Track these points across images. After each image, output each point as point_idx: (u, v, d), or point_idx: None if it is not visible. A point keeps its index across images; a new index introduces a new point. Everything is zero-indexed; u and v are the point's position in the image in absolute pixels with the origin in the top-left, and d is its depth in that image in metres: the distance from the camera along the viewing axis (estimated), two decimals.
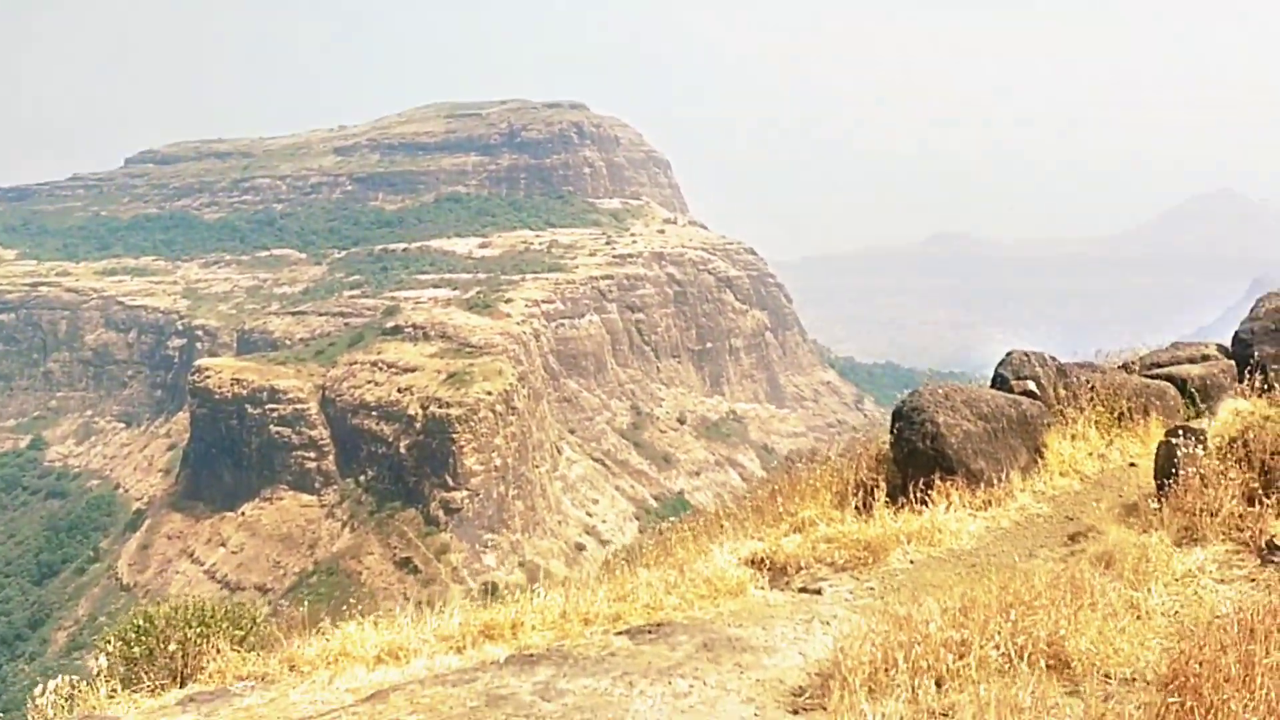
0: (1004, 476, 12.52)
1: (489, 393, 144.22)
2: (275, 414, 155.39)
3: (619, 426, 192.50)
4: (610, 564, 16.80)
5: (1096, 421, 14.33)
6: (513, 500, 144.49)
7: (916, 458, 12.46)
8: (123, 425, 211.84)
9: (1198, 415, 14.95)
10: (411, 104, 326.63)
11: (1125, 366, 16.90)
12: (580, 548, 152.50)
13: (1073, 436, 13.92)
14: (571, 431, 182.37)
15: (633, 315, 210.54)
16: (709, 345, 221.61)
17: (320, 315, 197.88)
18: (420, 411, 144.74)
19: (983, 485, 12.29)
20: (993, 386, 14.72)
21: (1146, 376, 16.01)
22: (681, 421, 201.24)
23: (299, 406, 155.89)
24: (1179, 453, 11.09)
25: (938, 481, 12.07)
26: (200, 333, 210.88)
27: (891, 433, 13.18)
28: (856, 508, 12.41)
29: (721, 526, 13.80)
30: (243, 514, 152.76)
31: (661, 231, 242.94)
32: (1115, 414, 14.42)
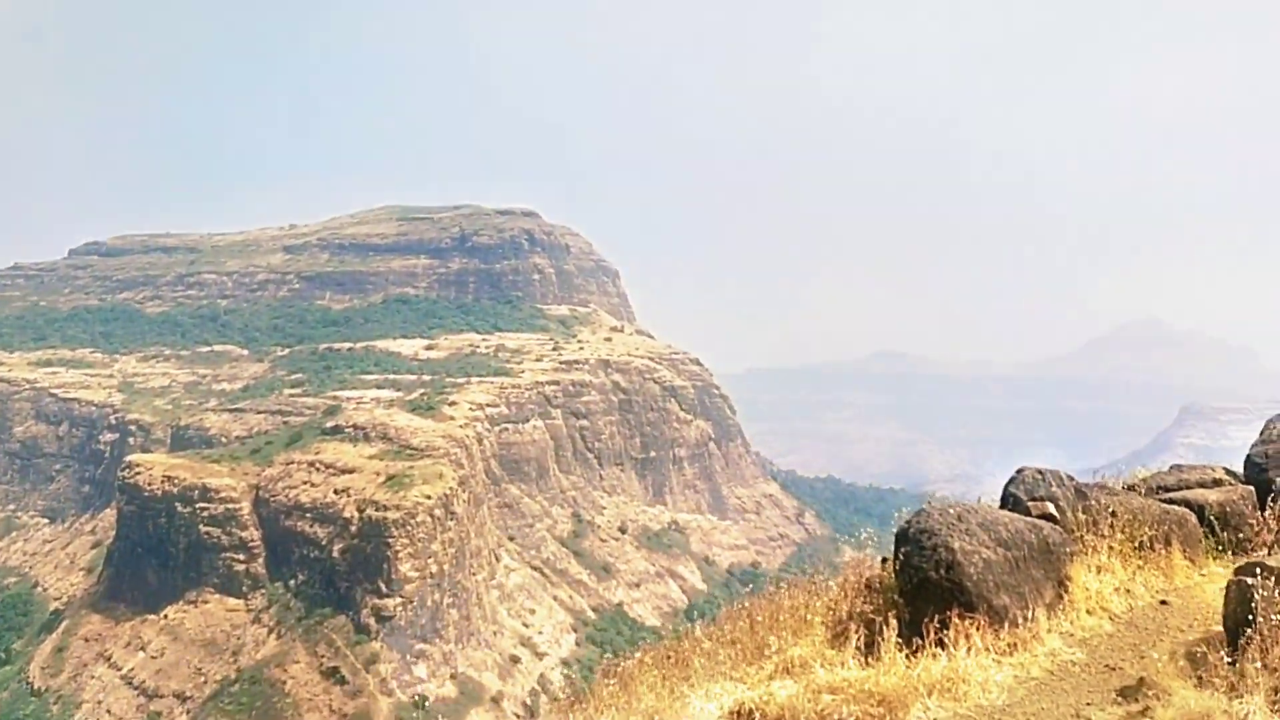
0: (1029, 615, 10.98)
1: (428, 496, 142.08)
2: (206, 513, 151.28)
3: (559, 534, 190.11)
4: (561, 707, 14.42)
5: (1119, 551, 12.98)
6: (447, 609, 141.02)
7: (928, 589, 10.80)
8: (46, 521, 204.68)
9: (1219, 546, 14.03)
10: (364, 205, 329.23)
11: (1131, 488, 15.77)
12: (515, 660, 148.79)
13: (1097, 568, 12.54)
14: (511, 538, 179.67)
15: (577, 422, 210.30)
16: (653, 454, 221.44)
17: (259, 413, 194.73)
18: (356, 514, 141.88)
19: (1006, 625, 10.70)
20: (1003, 507, 13.34)
21: (1161, 501, 14.77)
22: (623, 531, 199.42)
23: (231, 506, 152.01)
24: (1257, 595, 9.45)
25: (955, 619, 10.39)
26: (134, 428, 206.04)
27: (896, 558, 11.49)
28: (858, 647, 10.83)
29: (689, 664, 12.16)
30: (165, 617, 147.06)
31: (608, 339, 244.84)
32: (1136, 543, 13.14)
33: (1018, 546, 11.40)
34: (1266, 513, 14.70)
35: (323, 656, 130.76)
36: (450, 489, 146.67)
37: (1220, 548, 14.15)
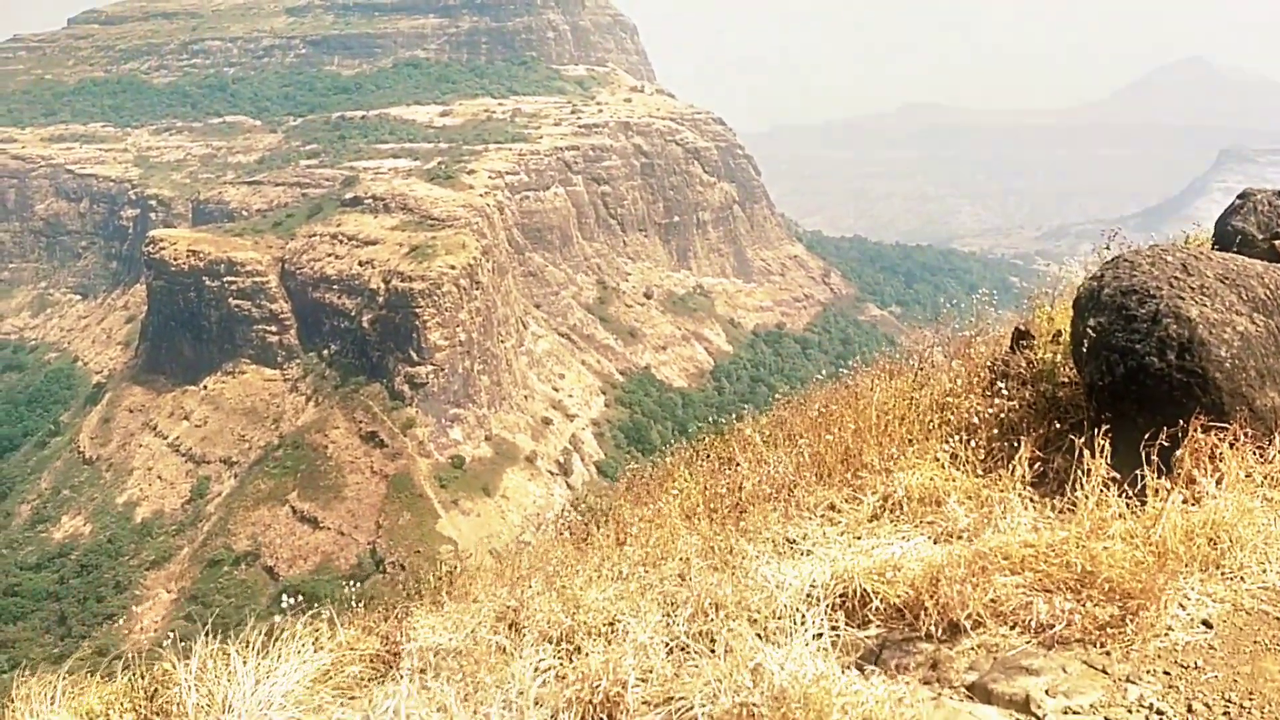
0: None
1: (452, 266, 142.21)
2: (234, 287, 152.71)
3: (585, 301, 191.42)
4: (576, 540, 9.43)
5: None
6: (478, 375, 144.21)
7: (1150, 386, 6.96)
8: (79, 297, 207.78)
9: None
10: None
11: None
12: (547, 421, 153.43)
13: None
14: (537, 306, 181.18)
15: (599, 188, 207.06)
16: (676, 219, 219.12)
17: (277, 185, 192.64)
18: (382, 285, 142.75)
19: (1276, 435, 6.92)
20: (1220, 248, 9.53)
21: None
22: (648, 296, 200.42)
23: (258, 279, 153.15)
24: None
25: (1196, 432, 6.57)
26: (154, 203, 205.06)
27: (1078, 336, 7.58)
28: (1022, 476, 7.02)
29: (746, 499, 8.05)
30: (205, 388, 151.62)
31: (628, 100, 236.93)
32: None
33: (1278, 310, 7.43)
34: None
35: (361, 422, 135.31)
36: (474, 258, 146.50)
37: None
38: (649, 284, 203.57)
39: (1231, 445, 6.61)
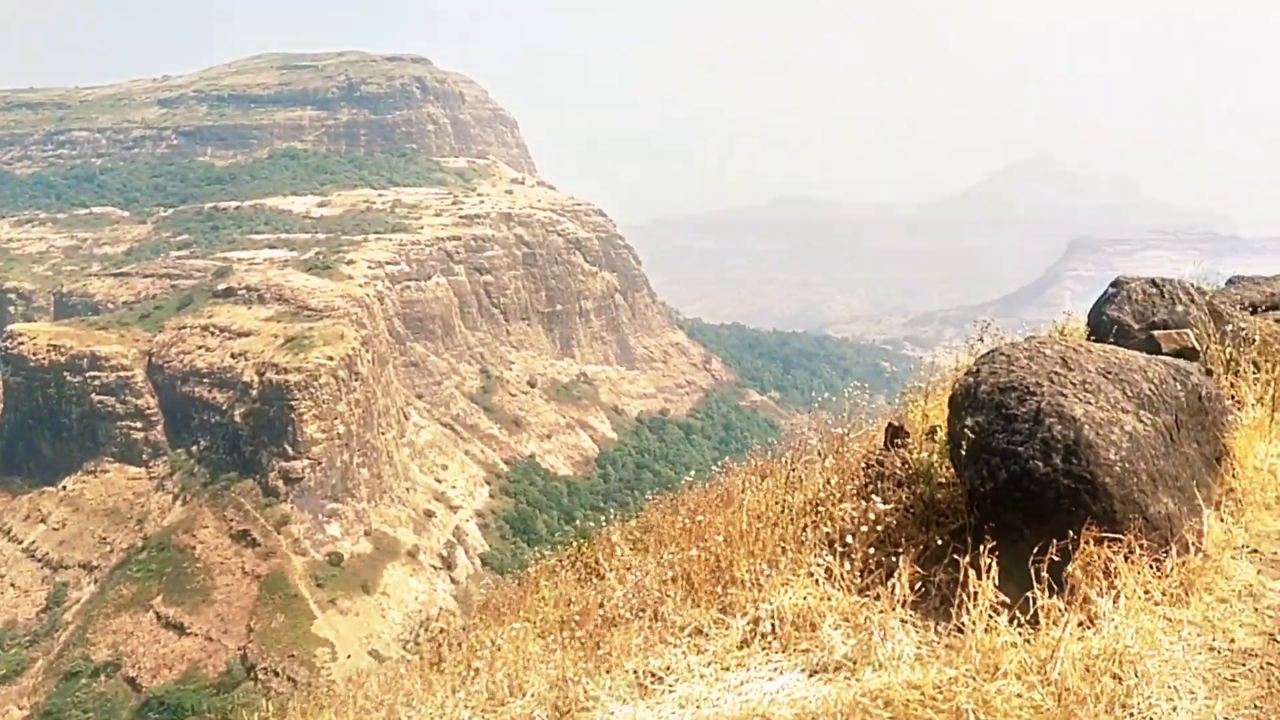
0: (1200, 524, 6.80)
1: (330, 358, 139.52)
2: (98, 382, 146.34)
3: (468, 390, 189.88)
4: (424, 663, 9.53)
5: (1272, 401, 8.76)
6: (358, 468, 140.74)
7: (1035, 493, 6.46)
8: None
9: None
10: (242, 55, 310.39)
11: (1237, 305, 11.36)
12: (430, 514, 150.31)
13: (1256, 430, 8.25)
14: (419, 396, 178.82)
15: (481, 277, 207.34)
16: (559, 307, 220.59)
17: (145, 277, 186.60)
18: (256, 378, 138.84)
19: (1171, 546, 6.49)
20: (1095, 338, 9.24)
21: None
22: (532, 385, 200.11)
23: (123, 374, 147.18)
24: None
25: (1088, 544, 6.17)
26: (14, 296, 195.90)
27: (955, 437, 7.17)
28: (916, 596, 6.62)
29: (608, 618, 7.59)
30: (64, 488, 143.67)
31: (509, 192, 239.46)
32: None
33: (1166, 408, 7.05)
34: None
35: (232, 520, 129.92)
36: (353, 349, 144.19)
37: None
38: (533, 372, 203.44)
39: (1126, 558, 6.09)
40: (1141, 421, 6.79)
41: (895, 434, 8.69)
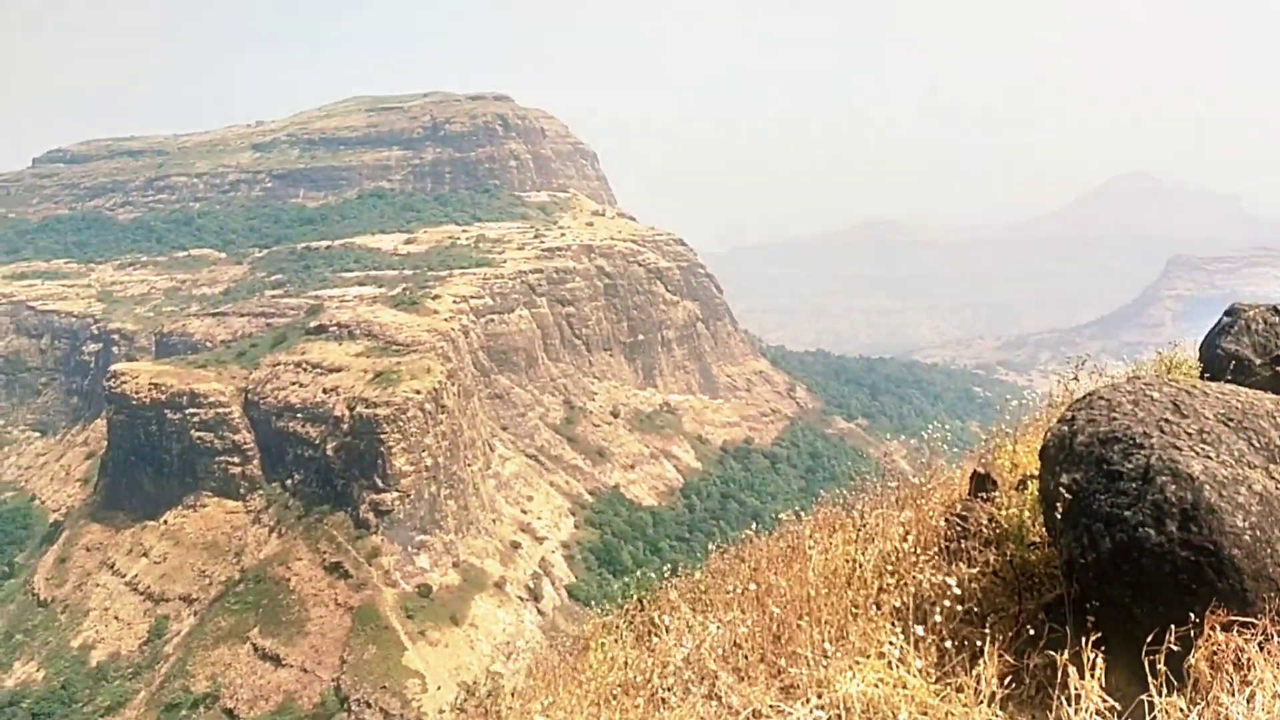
0: None
1: (417, 391, 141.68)
2: (196, 419, 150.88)
3: (552, 422, 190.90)
4: None
5: None
6: (445, 500, 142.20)
7: (1146, 567, 5.43)
8: (38, 434, 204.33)
9: None
10: (331, 98, 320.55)
11: None
12: (515, 545, 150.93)
13: None
14: (504, 428, 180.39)
15: (563, 309, 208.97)
16: (641, 337, 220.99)
17: (241, 316, 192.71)
18: (347, 412, 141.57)
19: None
20: (1208, 375, 8.29)
21: None
22: (615, 415, 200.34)
23: (221, 410, 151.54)
24: None
25: (1213, 631, 5.14)
26: (116, 337, 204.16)
27: (1049, 496, 6.11)
28: (1006, 682, 5.67)
29: (661, 689, 7.10)
30: (165, 523, 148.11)
31: (590, 224, 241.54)
32: None
33: None
34: None
35: (325, 552, 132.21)
36: (439, 383, 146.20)
37: None
38: (616, 403, 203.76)
39: (1262, 646, 5.03)
40: (1274, 478, 5.55)
41: (981, 483, 7.78)
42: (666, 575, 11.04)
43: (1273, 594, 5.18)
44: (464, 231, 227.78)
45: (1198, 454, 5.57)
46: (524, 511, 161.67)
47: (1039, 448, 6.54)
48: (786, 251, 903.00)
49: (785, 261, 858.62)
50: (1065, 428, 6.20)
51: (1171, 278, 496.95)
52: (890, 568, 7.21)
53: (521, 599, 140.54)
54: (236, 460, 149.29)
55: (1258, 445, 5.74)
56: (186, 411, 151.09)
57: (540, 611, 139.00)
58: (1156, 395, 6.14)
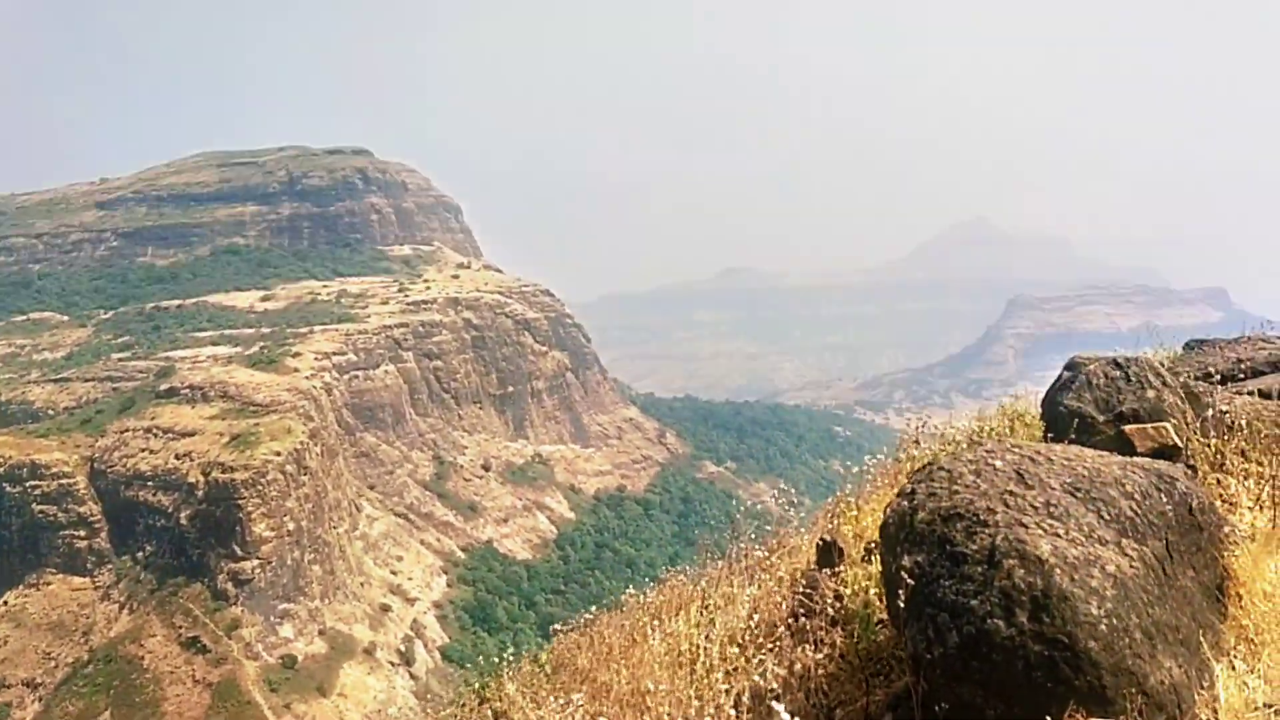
0: (1209, 688, 5.20)
1: (278, 453, 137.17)
2: (38, 491, 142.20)
3: (421, 478, 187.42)
4: None
5: (1265, 496, 7.07)
6: (309, 565, 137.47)
7: (997, 663, 4.95)
8: None
9: None
10: (179, 154, 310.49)
11: (1205, 377, 9.88)
12: (386, 609, 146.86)
13: (1256, 537, 6.52)
14: (371, 487, 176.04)
15: (430, 363, 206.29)
16: (511, 389, 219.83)
17: (86, 381, 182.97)
18: (202, 478, 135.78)
19: None
20: (1051, 434, 7.92)
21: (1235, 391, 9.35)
22: (486, 468, 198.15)
23: (65, 482, 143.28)
24: None
25: None
26: None
27: (891, 580, 5.76)
28: None
29: None
30: (5, 603, 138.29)
31: (456, 277, 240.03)
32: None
33: (1153, 531, 5.53)
34: None
35: (181, 627, 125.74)
36: (301, 443, 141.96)
37: None
38: (487, 456, 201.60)
39: None
40: (1126, 555, 5.16)
41: (828, 553, 7.27)
42: (512, 658, 10.74)
43: (1133, 689, 4.72)
44: (324, 287, 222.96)
45: (1046, 531, 5.14)
46: (393, 572, 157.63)
47: (879, 526, 6.09)
48: (653, 299, 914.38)
49: (652, 309, 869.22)
50: (905, 503, 5.76)
51: (1012, 317, 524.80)
52: (737, 650, 6.85)
53: (393, 664, 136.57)
54: (83, 534, 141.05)
55: (1108, 517, 5.38)
56: (27, 485, 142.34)
57: (413, 675, 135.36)
58: (999, 464, 5.72)
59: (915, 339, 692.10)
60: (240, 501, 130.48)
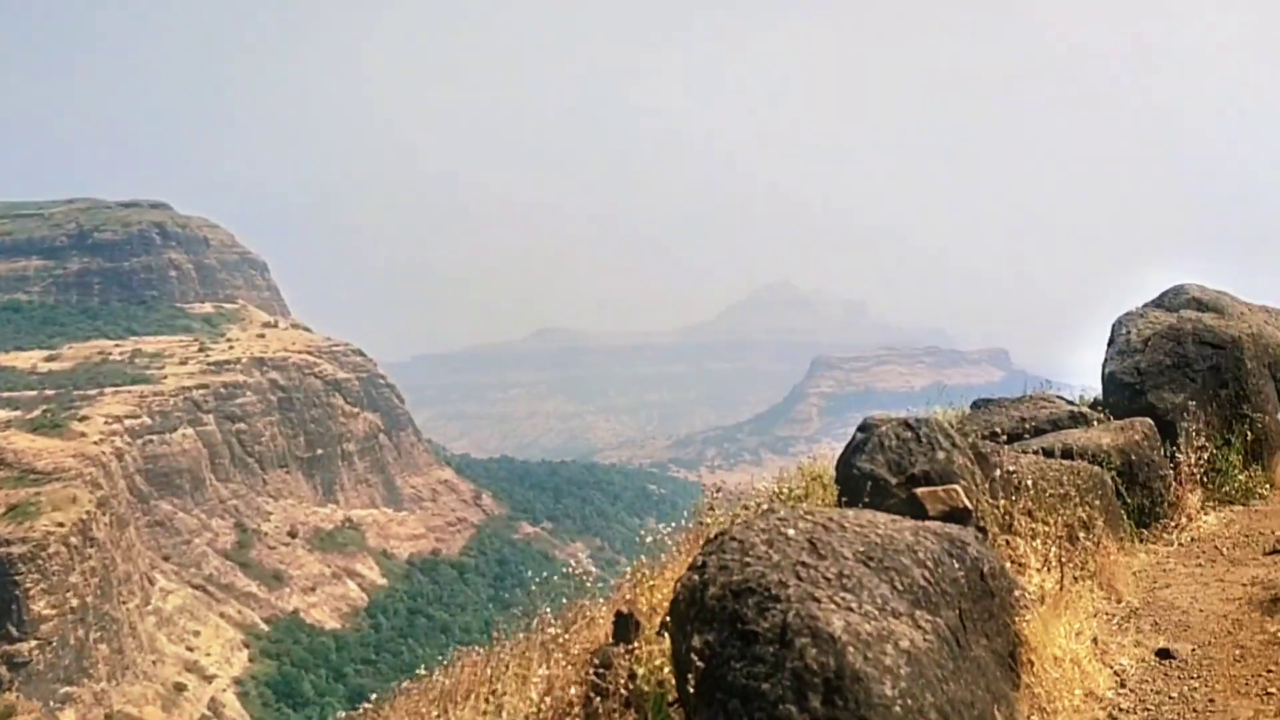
0: None
1: (60, 524, 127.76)
2: None
3: (221, 547, 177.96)
4: None
5: (1050, 555, 7.47)
6: (95, 644, 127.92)
7: None
8: None
9: (1131, 517, 9.39)
10: None
11: (992, 436, 9.98)
12: (180, 688, 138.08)
13: (1045, 599, 6.82)
14: (166, 558, 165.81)
15: (233, 426, 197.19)
16: (320, 452, 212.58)
17: None
18: None
19: None
20: (846, 497, 7.78)
21: (1035, 454, 9.67)
22: (293, 535, 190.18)
23: None
24: None
25: None
26: None
27: (681, 661, 5.33)
28: None
29: None
30: None
31: (261, 335, 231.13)
32: (1065, 529, 7.91)
33: (946, 601, 5.47)
34: (1181, 458, 10.04)
35: None
36: (87, 513, 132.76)
37: (1134, 519, 9.43)
38: (293, 522, 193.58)
39: None
40: (920, 628, 5.00)
41: (624, 626, 6.74)
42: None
43: None
44: (117, 346, 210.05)
45: (839, 606, 4.89)
46: (190, 649, 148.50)
47: (669, 603, 5.72)
48: (468, 359, 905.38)
49: (467, 369, 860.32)
50: (696, 576, 5.36)
51: (815, 376, 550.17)
52: None
53: None
54: None
55: (901, 588, 5.21)
56: None
57: None
58: (792, 533, 5.47)
59: (725, 397, 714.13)
60: (17, 578, 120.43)
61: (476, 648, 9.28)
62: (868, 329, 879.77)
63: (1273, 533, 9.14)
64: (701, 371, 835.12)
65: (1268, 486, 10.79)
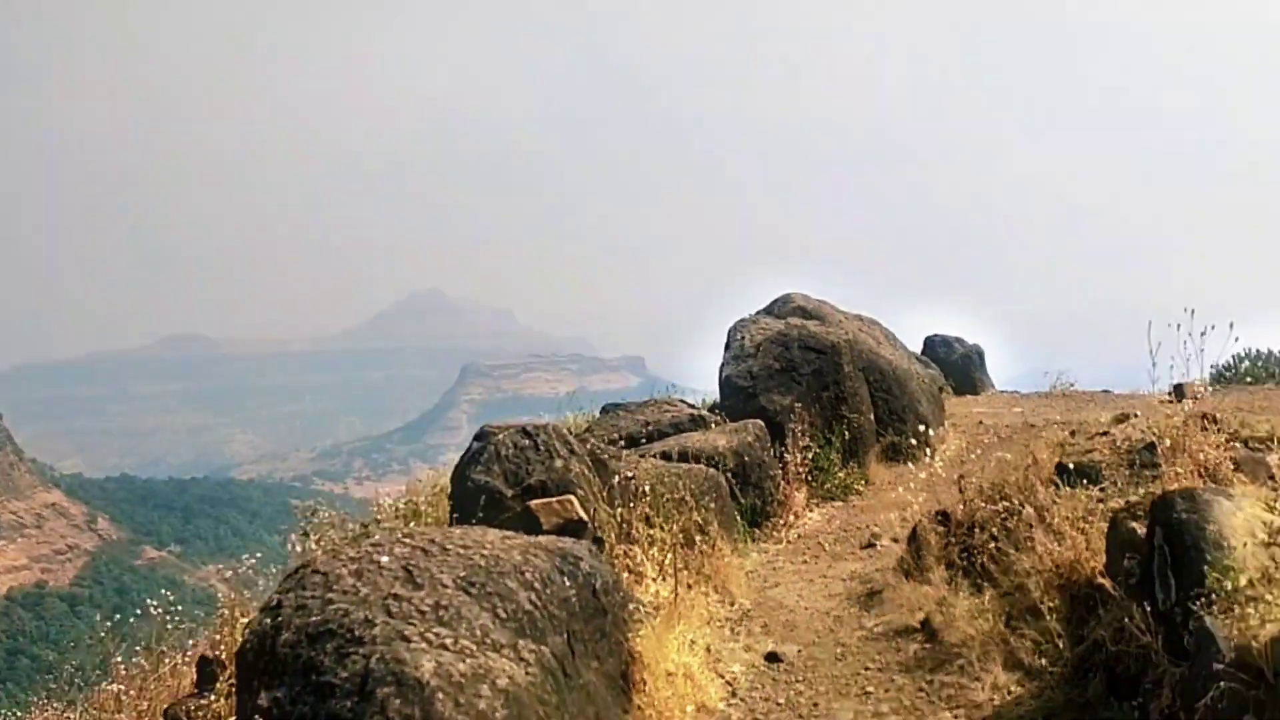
0: None
1: None
2: None
3: None
4: None
5: (664, 562, 7.41)
6: None
7: None
8: None
9: (744, 517, 9.62)
10: None
11: (617, 441, 10.44)
12: None
13: (655, 611, 6.65)
14: None
15: None
16: None
17: None
18: None
19: None
20: (459, 513, 7.32)
21: (655, 458, 9.62)
22: None
23: None
24: None
25: None
26: None
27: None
28: None
29: None
30: None
31: None
32: (682, 534, 7.76)
33: (554, 625, 4.97)
34: (789, 458, 10.51)
35: None
36: None
37: (747, 519, 9.67)
38: None
39: None
40: (523, 660, 4.49)
41: (211, 673, 6.10)
42: None
43: None
44: None
45: (432, 643, 4.23)
46: None
47: (235, 652, 4.80)
48: (83, 368, 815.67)
49: (81, 380, 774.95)
50: (269, 620, 4.48)
51: (465, 384, 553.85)
52: None
53: None
54: None
55: (504, 615, 4.66)
56: None
57: None
58: (386, 560, 4.78)
59: (374, 406, 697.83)
60: None
61: (54, 702, 8.35)
62: (514, 336, 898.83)
63: (868, 527, 9.75)
64: (349, 380, 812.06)
65: (864, 483, 11.63)
